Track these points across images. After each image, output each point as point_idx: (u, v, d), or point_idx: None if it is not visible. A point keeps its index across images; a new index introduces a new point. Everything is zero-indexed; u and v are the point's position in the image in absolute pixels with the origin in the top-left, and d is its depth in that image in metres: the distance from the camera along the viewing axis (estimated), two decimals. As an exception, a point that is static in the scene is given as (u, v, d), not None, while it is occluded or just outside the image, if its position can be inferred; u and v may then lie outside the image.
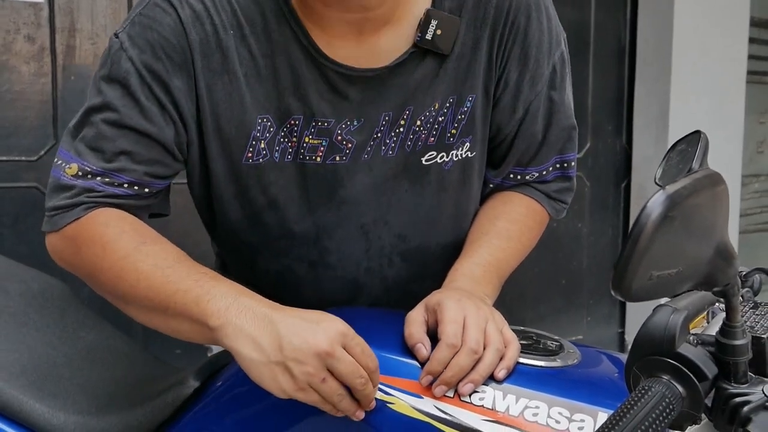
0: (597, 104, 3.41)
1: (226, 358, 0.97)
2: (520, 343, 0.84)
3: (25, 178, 2.27)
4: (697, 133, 0.97)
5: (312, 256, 1.04)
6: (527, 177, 1.09)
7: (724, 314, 0.55)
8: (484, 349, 0.80)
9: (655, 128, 3.38)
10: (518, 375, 0.81)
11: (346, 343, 0.77)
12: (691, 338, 0.56)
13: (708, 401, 0.56)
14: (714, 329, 0.59)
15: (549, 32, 1.00)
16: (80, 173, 0.90)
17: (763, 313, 0.62)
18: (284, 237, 1.02)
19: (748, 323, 0.58)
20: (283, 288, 1.06)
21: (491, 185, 1.11)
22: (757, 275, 0.78)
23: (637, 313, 3.54)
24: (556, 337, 0.89)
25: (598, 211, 3.46)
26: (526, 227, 1.07)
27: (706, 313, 0.60)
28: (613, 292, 0.46)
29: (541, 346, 0.85)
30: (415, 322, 0.85)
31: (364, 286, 1.05)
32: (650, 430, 0.50)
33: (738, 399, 0.54)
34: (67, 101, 2.28)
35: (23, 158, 2.25)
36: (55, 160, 0.95)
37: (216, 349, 1.16)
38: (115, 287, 0.88)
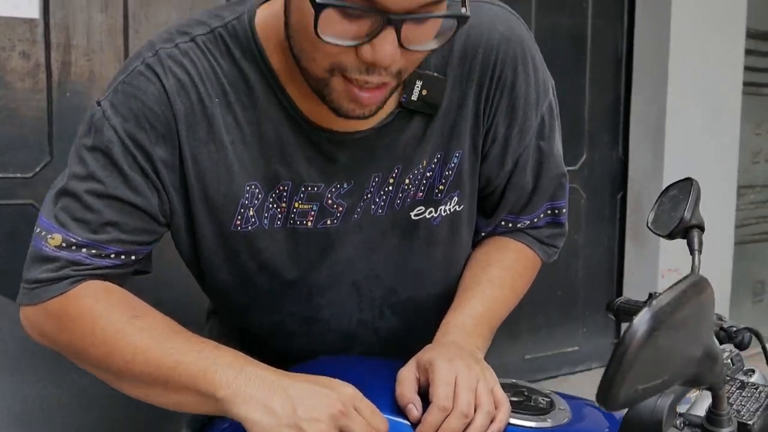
0: (593, 115, 3.44)
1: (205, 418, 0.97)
2: (511, 400, 0.85)
3: (21, 195, 2.27)
4: (689, 180, 0.99)
5: (305, 312, 1.04)
6: (519, 225, 1.09)
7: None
8: (475, 411, 0.80)
9: (652, 139, 3.40)
10: (513, 435, 0.81)
11: (357, 405, 0.78)
12: (678, 422, 0.56)
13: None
14: (701, 406, 0.59)
15: (536, 83, 0.99)
16: (64, 244, 0.88)
17: (749, 394, 0.62)
18: (276, 297, 1.02)
19: (734, 407, 0.59)
20: (277, 338, 1.06)
21: (483, 233, 1.11)
22: (746, 333, 0.78)
23: (633, 324, 3.57)
24: (548, 392, 0.89)
25: (594, 222, 3.48)
26: (519, 274, 1.07)
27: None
28: (598, 404, 0.47)
29: (531, 403, 0.86)
30: (407, 380, 0.85)
31: (357, 337, 1.05)
32: None
33: (724, 487, 0.54)
34: (62, 118, 2.28)
35: (18, 175, 2.26)
36: (36, 228, 0.92)
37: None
38: (107, 363, 0.87)
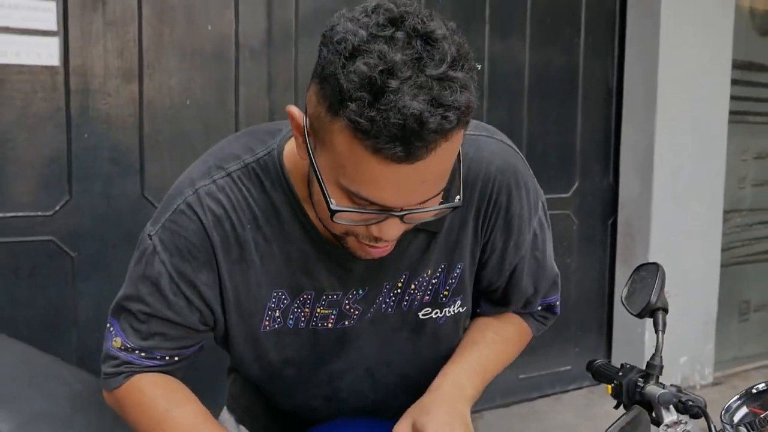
0: (585, 145, 3.54)
1: None
2: None
3: (41, 232, 2.39)
4: (655, 265, 1.12)
5: (325, 393, 1.18)
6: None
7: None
8: None
9: (641, 168, 3.50)
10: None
11: None
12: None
13: None
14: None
15: (528, 204, 1.11)
16: (122, 347, 1.06)
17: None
18: (300, 384, 1.17)
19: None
20: (300, 412, 1.22)
21: None
22: (696, 408, 0.91)
23: (622, 344, 3.67)
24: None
25: (586, 247, 3.59)
26: (512, 341, 1.21)
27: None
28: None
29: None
30: None
31: (374, 412, 1.19)
32: None
33: None
34: (80, 158, 2.41)
35: (39, 213, 2.38)
36: (108, 325, 1.09)
37: (221, 418, 1.31)
38: None
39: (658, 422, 0.97)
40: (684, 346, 3.61)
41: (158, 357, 1.06)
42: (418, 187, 0.84)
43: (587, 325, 3.63)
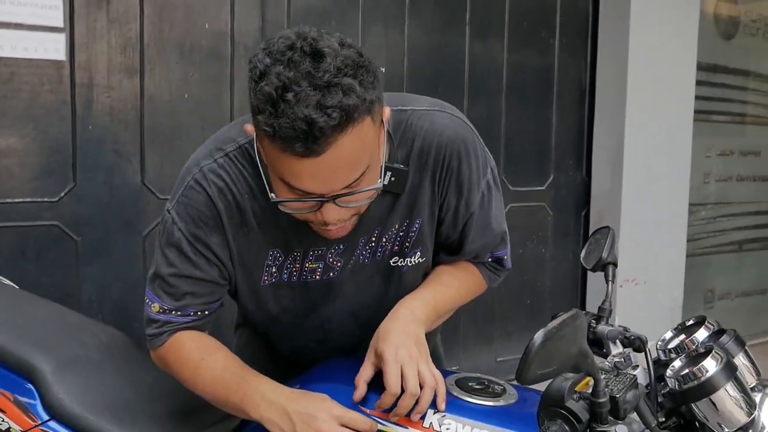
0: (559, 140, 3.69)
1: None
2: (475, 388, 1.17)
3: (47, 217, 2.51)
4: (607, 228, 1.31)
5: (318, 336, 1.39)
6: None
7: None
8: (422, 388, 1.11)
9: (612, 163, 3.66)
10: (472, 411, 1.13)
11: (342, 421, 1.12)
12: (575, 396, 0.89)
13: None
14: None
15: (477, 168, 1.28)
16: (161, 310, 1.25)
17: (621, 379, 0.94)
18: (296, 329, 1.37)
19: (609, 386, 0.91)
20: (299, 354, 1.42)
21: None
22: (637, 340, 1.10)
23: (596, 330, 3.85)
24: (502, 383, 1.22)
25: (560, 237, 3.75)
26: (464, 282, 1.38)
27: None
28: (517, 381, 0.79)
29: (490, 389, 1.18)
30: (367, 368, 1.18)
31: (360, 346, 1.36)
32: (546, 454, 0.83)
33: (600, 434, 0.87)
34: (84, 148, 2.53)
35: (45, 199, 2.49)
36: (145, 298, 1.28)
37: None
38: (195, 389, 1.26)
39: (606, 355, 1.15)
40: (652, 331, 3.72)
41: (191, 313, 1.25)
42: (333, 174, 1.03)
43: (561, 310, 3.75)
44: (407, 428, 1.13)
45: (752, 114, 4.46)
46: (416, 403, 1.12)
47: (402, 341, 1.17)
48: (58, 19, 2.46)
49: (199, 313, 1.26)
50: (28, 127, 2.45)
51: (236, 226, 1.23)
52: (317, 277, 1.29)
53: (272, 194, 1.09)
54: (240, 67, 2.79)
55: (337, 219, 1.11)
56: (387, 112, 1.12)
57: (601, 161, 3.73)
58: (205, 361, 1.23)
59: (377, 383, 1.16)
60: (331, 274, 1.30)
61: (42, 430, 1.27)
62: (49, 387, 1.27)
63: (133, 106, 2.62)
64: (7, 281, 1.63)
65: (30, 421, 1.27)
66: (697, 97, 3.87)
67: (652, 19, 3.59)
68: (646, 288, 3.71)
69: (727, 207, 4.40)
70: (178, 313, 1.25)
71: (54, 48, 2.48)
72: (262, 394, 1.16)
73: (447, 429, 1.11)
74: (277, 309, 1.33)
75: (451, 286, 1.35)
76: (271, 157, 1.06)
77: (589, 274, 3.77)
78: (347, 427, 1.12)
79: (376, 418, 1.14)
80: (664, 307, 3.82)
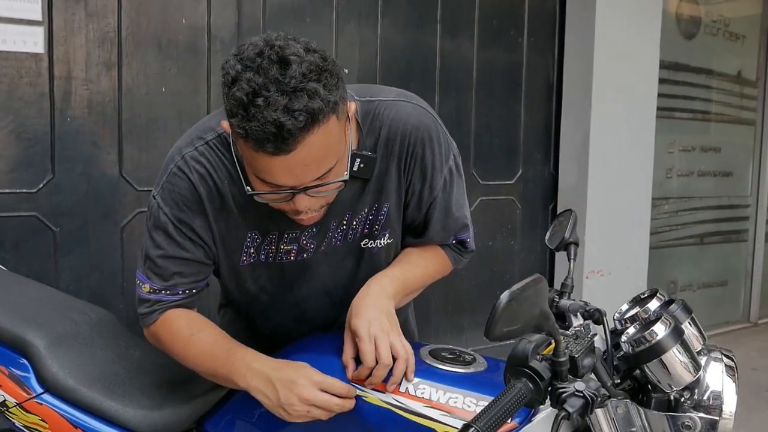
0: (528, 136, 3.79)
1: None
2: (447, 357, 1.26)
3: (26, 208, 2.54)
4: (570, 211, 1.40)
5: (294, 314, 1.46)
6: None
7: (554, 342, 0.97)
8: (395, 360, 1.21)
9: (578, 157, 3.76)
10: (445, 377, 1.22)
11: (322, 386, 1.20)
12: (539, 357, 0.97)
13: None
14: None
15: (440, 154, 1.37)
16: (151, 290, 1.32)
17: (580, 342, 1.03)
18: (273, 308, 1.45)
19: (569, 348, 1.00)
20: (278, 334, 1.49)
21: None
22: (596, 312, 1.19)
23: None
24: (472, 353, 1.30)
25: (529, 230, 3.85)
26: (430, 262, 1.47)
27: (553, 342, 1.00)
28: (485, 337, 0.87)
29: (460, 359, 1.27)
30: (347, 344, 1.26)
31: (335, 324, 1.46)
32: (512, 407, 0.92)
33: (560, 390, 0.96)
34: (63, 140, 2.56)
35: (24, 190, 2.53)
36: (136, 280, 1.35)
37: None
38: (186, 362, 1.33)
39: (568, 327, 1.24)
40: (617, 320, 3.91)
41: (180, 292, 1.33)
42: (302, 169, 1.12)
43: (529, 301, 3.89)
44: (384, 393, 1.21)
45: (713, 111, 4.62)
46: (391, 374, 1.21)
47: (374, 315, 1.25)
48: (36, 12, 2.49)
49: (187, 291, 1.34)
50: (7, 119, 2.48)
51: (217, 210, 1.30)
52: (292, 258, 1.37)
53: (248, 187, 1.19)
54: (216, 62, 2.83)
55: (308, 208, 1.20)
56: (353, 107, 1.21)
57: (568, 156, 3.82)
58: (195, 336, 1.31)
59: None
60: (305, 255, 1.37)
61: (36, 402, 1.33)
62: (43, 361, 1.33)
63: (111, 98, 2.66)
64: (-6, 264, 1.67)
65: (24, 393, 1.33)
66: (660, 95, 3.98)
67: (616, 18, 3.69)
68: (611, 279, 3.83)
69: (689, 201, 4.55)
70: (168, 292, 1.32)
71: (32, 41, 2.51)
72: (248, 364, 1.24)
73: (422, 393, 1.19)
74: (255, 288, 1.41)
75: (419, 265, 1.44)
76: (246, 155, 1.15)
77: (557, 265, 3.90)
78: (326, 391, 1.20)
79: (355, 385, 1.23)
80: (628, 297, 3.89)
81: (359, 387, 1.23)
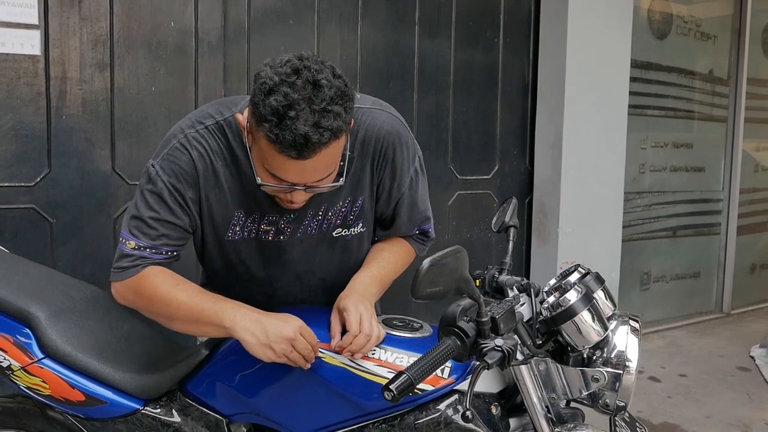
0: (504, 132, 3.93)
1: (216, 341, 1.52)
2: (397, 325, 1.44)
3: (24, 201, 2.69)
4: (511, 198, 1.58)
5: (266, 290, 1.62)
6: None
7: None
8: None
9: (552, 153, 3.90)
10: (394, 341, 1.40)
11: (302, 331, 1.37)
12: (466, 318, 1.15)
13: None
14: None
15: (408, 157, 1.57)
16: (136, 247, 1.45)
17: (502, 305, 1.20)
18: (249, 281, 1.61)
19: (491, 310, 1.17)
20: (250, 304, 1.63)
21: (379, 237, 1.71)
22: (530, 284, 1.36)
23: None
24: (420, 321, 1.48)
25: None
26: (400, 256, 1.66)
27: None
28: (412, 297, 1.04)
29: (409, 326, 1.45)
30: (334, 319, 1.44)
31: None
32: (440, 360, 1.09)
33: (482, 345, 1.13)
34: (59, 136, 2.72)
35: (22, 184, 2.68)
36: (120, 238, 1.48)
37: (201, 340, 1.70)
38: (164, 312, 1.45)
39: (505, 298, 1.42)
40: (590, 309, 4.06)
41: (163, 252, 1.47)
42: (311, 173, 1.33)
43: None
44: (341, 355, 1.39)
45: (685, 109, 4.76)
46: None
47: (360, 301, 1.45)
48: (33, 16, 2.64)
49: (169, 253, 1.48)
50: (6, 117, 2.63)
51: (210, 187, 1.47)
52: (270, 238, 1.54)
53: (258, 178, 1.37)
54: (203, 63, 2.99)
55: (302, 201, 1.41)
56: (352, 123, 1.39)
57: (543, 152, 3.96)
58: (180, 286, 1.45)
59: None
60: (281, 237, 1.54)
61: (38, 365, 1.50)
62: (44, 331, 1.50)
63: (104, 98, 2.81)
64: (0, 247, 1.83)
65: (28, 358, 1.50)
66: (632, 93, 4.11)
67: (589, 19, 3.83)
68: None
69: (662, 195, 4.68)
70: (153, 251, 1.45)
71: (29, 44, 2.66)
72: (237, 307, 1.40)
73: (373, 354, 1.40)
74: (236, 259, 1.57)
75: (390, 261, 1.63)
76: (265, 153, 1.32)
77: (533, 255, 4.03)
78: (304, 338, 1.36)
79: (330, 352, 1.40)
80: (601, 286, 4.07)
81: (321, 349, 1.40)
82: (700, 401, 3.53)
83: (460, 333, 1.13)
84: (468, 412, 1.11)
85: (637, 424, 1.41)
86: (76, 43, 2.73)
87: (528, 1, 3.94)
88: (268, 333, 1.35)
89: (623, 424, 1.36)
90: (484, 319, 1.14)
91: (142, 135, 2.89)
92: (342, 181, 1.40)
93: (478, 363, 1.16)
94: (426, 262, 1.04)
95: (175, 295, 1.43)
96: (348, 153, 1.48)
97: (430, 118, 3.59)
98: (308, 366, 1.38)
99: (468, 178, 3.81)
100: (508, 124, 3.95)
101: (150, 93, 2.90)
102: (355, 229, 1.60)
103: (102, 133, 2.81)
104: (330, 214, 1.55)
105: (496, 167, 3.94)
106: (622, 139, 4.08)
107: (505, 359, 1.12)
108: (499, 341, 1.14)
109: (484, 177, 3.90)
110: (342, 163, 1.41)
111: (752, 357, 4.21)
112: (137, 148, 2.87)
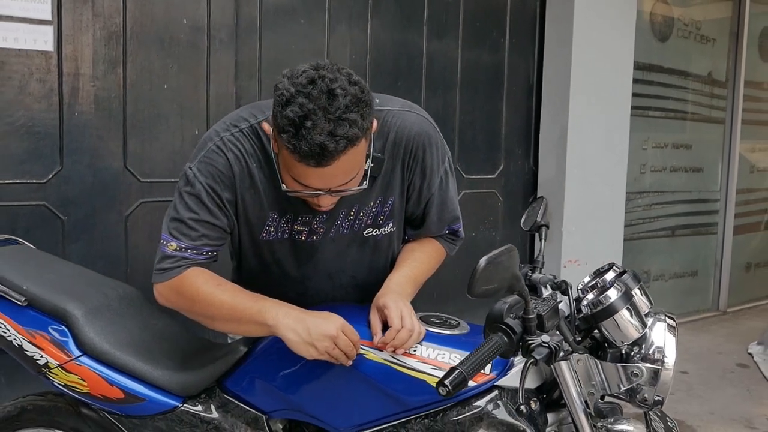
0: (509, 132, 3.97)
1: (254, 338, 1.54)
2: (435, 322, 1.46)
3: (35, 198, 2.68)
4: (542, 198, 1.60)
5: (298, 289, 1.63)
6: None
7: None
8: None
9: (556, 153, 3.94)
10: (434, 338, 1.42)
11: (344, 329, 1.39)
12: (512, 315, 1.17)
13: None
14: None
15: (438, 157, 1.60)
16: (178, 248, 1.47)
17: (546, 303, 1.23)
18: (282, 279, 1.62)
19: (537, 308, 1.19)
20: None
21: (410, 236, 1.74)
22: (563, 283, 1.39)
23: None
24: (457, 318, 1.50)
25: (510, 222, 4.02)
26: (432, 256, 1.69)
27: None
28: (468, 295, 1.06)
29: (446, 323, 1.47)
30: (374, 317, 1.46)
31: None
32: (489, 356, 1.11)
33: (529, 342, 1.15)
34: (71, 133, 2.71)
35: (34, 181, 2.67)
36: (161, 241, 1.49)
37: (233, 338, 1.71)
38: (207, 312, 1.47)
39: (539, 297, 1.44)
40: (592, 308, 4.10)
41: (204, 252, 1.49)
42: (332, 178, 1.35)
43: (510, 289, 4.06)
44: (383, 351, 1.42)
45: (685, 110, 4.82)
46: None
47: (399, 299, 1.48)
48: (46, 12, 2.63)
49: (210, 252, 1.50)
50: (18, 114, 2.61)
51: (246, 188, 1.49)
52: (303, 238, 1.56)
53: (283, 185, 1.40)
54: (215, 60, 3.00)
55: (330, 204, 1.45)
56: (375, 125, 1.41)
57: (547, 152, 4.00)
58: (222, 286, 1.47)
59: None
60: (315, 238, 1.57)
61: (75, 363, 1.51)
62: (81, 328, 1.51)
63: (117, 94, 2.80)
64: (29, 244, 1.84)
65: (65, 356, 1.51)
66: (634, 94, 4.16)
67: (593, 21, 3.87)
68: (587, 268, 3.94)
69: (661, 195, 4.74)
70: (194, 251, 1.47)
71: (43, 39, 2.64)
72: (279, 305, 1.42)
73: (415, 351, 1.42)
74: (270, 259, 1.59)
75: (423, 261, 1.66)
76: (286, 161, 1.36)
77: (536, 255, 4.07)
78: (346, 335, 1.39)
79: (372, 349, 1.42)
80: (603, 285, 4.11)
81: (363, 346, 1.42)
82: (702, 397, 3.58)
83: (507, 330, 1.15)
84: (522, 407, 1.13)
85: (668, 417, 1.44)
86: (89, 39, 2.72)
87: (534, 2, 3.97)
88: (311, 331, 1.37)
89: (656, 417, 1.39)
90: (530, 316, 1.16)
91: (154, 132, 2.89)
92: (365, 184, 1.42)
93: (525, 359, 1.18)
94: (483, 261, 1.06)
95: (218, 295, 1.45)
96: (378, 155, 1.51)
97: (437, 117, 3.52)
98: (350, 363, 1.40)
99: (474, 177, 3.84)
100: (513, 124, 3.99)
101: (162, 90, 2.89)
102: (386, 229, 1.62)
103: (114, 130, 2.81)
104: (361, 214, 1.57)
105: (501, 166, 3.97)
106: (625, 140, 4.13)
107: (552, 355, 1.15)
108: (545, 338, 1.16)
109: (490, 176, 3.93)
110: (367, 167, 1.43)
111: (750, 354, 4.27)
112: (149, 145, 2.87)
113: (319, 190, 1.36)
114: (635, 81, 4.19)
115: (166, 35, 2.89)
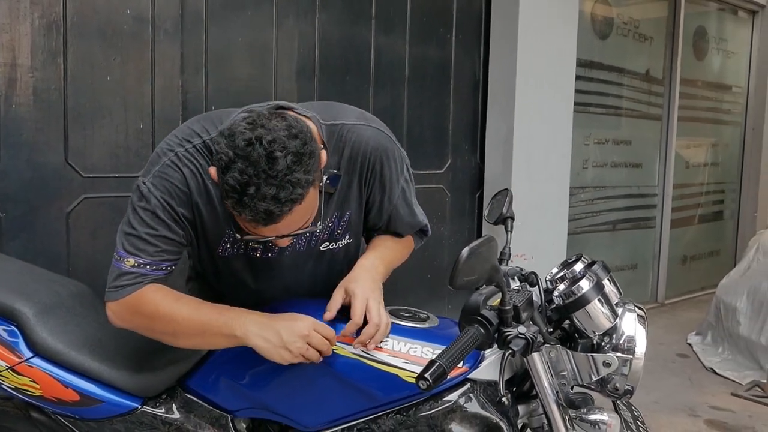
0: (456, 128, 3.99)
1: None
2: (405, 316, 1.44)
3: None
4: (506, 190, 1.60)
5: (257, 301, 1.57)
6: None
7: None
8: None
9: (503, 149, 3.99)
10: (404, 332, 1.40)
11: (315, 327, 1.36)
12: (488, 307, 1.16)
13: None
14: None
15: (396, 169, 1.58)
16: (136, 264, 1.41)
17: (521, 294, 1.23)
18: (240, 291, 1.60)
19: (512, 299, 1.19)
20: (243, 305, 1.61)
21: None
22: (531, 275, 1.39)
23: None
24: (426, 312, 1.49)
25: (457, 217, 4.06)
26: (403, 245, 1.70)
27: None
28: (449, 287, 1.05)
29: (416, 317, 1.46)
30: (337, 296, 1.45)
31: None
32: (467, 348, 1.10)
33: (506, 333, 1.15)
34: (9, 125, 2.59)
35: None
36: (115, 256, 1.43)
37: None
38: (168, 329, 1.42)
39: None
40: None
41: (163, 267, 1.43)
42: (284, 229, 1.33)
43: (458, 284, 4.10)
44: (352, 345, 1.40)
45: (624, 107, 4.95)
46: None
47: (369, 285, 1.46)
48: (-20, -1, 2.51)
49: (169, 267, 1.45)
50: (-49, 105, 2.47)
51: (203, 204, 1.45)
52: (258, 254, 1.54)
53: (238, 234, 1.41)
54: (160, 52, 2.91)
55: (287, 242, 1.44)
56: (324, 156, 1.38)
57: (493, 147, 4.04)
58: (182, 300, 1.43)
59: (343, 317, 1.41)
60: (269, 255, 1.55)
61: (27, 365, 1.43)
62: (33, 328, 1.43)
63: (57, 86, 2.69)
64: (-28, 242, 1.74)
65: (15, 358, 1.43)
66: (577, 91, 4.25)
67: (537, 19, 3.93)
68: (533, 262, 4.07)
69: (602, 190, 4.86)
70: (153, 267, 1.42)
71: (-23, 28, 2.52)
72: (245, 314, 1.39)
73: (386, 345, 1.40)
74: (227, 271, 1.57)
75: (395, 249, 1.67)
76: (238, 218, 1.34)
77: (503, 248, 4.11)
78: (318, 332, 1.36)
79: (342, 344, 1.39)
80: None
81: (342, 344, 1.39)
82: (646, 387, 3.67)
83: (484, 321, 1.14)
84: (504, 399, 1.13)
85: (633, 407, 1.46)
86: (27, 28, 2.60)
87: (480, -1, 3.99)
88: (282, 335, 1.35)
89: (623, 406, 1.41)
90: (507, 308, 1.16)
91: (96, 126, 2.78)
92: (320, 225, 1.43)
93: (501, 351, 1.17)
94: (465, 251, 1.05)
95: (179, 309, 1.41)
96: (334, 171, 1.49)
97: (385, 112, 3.59)
98: (320, 359, 1.37)
99: (421, 172, 3.84)
100: (460, 120, 4.01)
101: (105, 82, 2.80)
102: (342, 242, 1.62)
103: (54, 124, 2.70)
104: (317, 230, 1.54)
105: (449, 162, 3.99)
106: (569, 135, 4.20)
107: (529, 346, 1.15)
108: (522, 329, 1.16)
109: (437, 171, 3.95)
110: (320, 204, 1.42)
111: (689, 344, 4.42)
112: (91, 139, 2.77)
113: (273, 236, 1.36)
114: (578, 78, 4.26)
115: (109, 26, 2.78)
